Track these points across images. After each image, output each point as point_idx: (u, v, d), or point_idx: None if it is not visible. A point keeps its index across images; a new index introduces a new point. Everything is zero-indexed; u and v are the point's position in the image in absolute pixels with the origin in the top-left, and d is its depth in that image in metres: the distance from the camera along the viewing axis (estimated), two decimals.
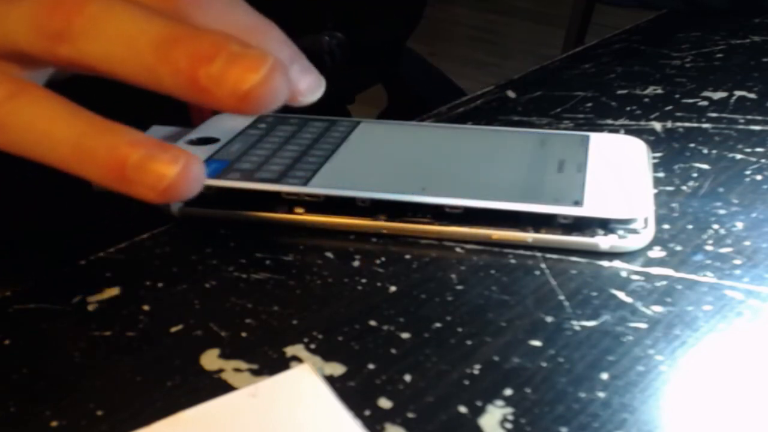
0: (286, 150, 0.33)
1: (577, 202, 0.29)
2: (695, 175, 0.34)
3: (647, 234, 0.29)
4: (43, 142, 0.22)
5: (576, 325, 0.26)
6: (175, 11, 0.23)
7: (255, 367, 0.24)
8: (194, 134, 0.35)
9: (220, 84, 0.21)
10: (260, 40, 0.24)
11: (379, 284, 0.28)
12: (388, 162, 0.33)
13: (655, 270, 0.28)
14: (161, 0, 0.23)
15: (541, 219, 0.29)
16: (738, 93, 0.42)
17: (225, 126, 0.35)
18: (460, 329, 0.26)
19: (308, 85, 0.25)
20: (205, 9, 0.24)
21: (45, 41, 0.22)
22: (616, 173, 0.31)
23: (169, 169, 0.21)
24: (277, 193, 0.31)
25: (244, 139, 0.34)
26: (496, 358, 0.24)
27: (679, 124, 0.39)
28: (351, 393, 0.23)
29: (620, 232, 0.29)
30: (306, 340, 0.25)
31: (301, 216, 0.31)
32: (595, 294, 0.27)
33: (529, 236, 0.29)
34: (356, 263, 0.29)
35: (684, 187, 0.33)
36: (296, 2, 0.46)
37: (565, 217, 0.29)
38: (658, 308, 0.26)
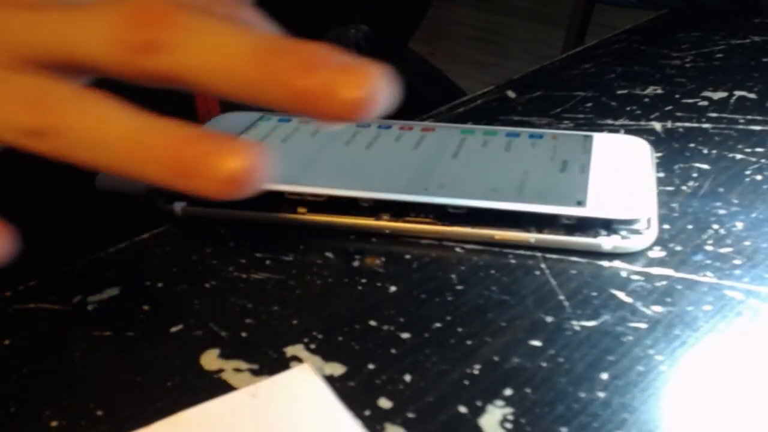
0: (289, 149, 0.33)
1: (580, 203, 0.29)
2: (695, 175, 0.34)
3: (650, 234, 0.29)
4: (99, 143, 0.21)
5: (576, 325, 0.26)
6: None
7: (255, 367, 0.24)
8: None
9: (329, 95, 0.20)
10: None
11: (379, 284, 0.28)
12: (390, 162, 0.33)
13: (655, 270, 0.28)
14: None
15: (543, 219, 0.29)
16: (738, 93, 0.42)
17: (227, 126, 0.35)
18: (460, 329, 0.26)
19: None
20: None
21: (129, 54, 0.21)
22: (620, 174, 0.31)
23: (235, 161, 0.20)
24: (280, 193, 0.31)
25: (246, 138, 0.34)
26: (496, 358, 0.24)
27: (679, 124, 0.39)
28: (351, 393, 0.23)
29: (623, 233, 0.29)
30: (306, 340, 0.25)
31: (303, 216, 0.31)
32: (595, 294, 0.27)
33: (532, 236, 0.29)
34: (356, 263, 0.29)
35: (684, 187, 0.33)
36: None
37: (568, 217, 0.29)
38: (658, 308, 0.26)
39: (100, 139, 0.21)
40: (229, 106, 0.39)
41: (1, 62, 0.22)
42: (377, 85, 0.20)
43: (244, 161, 0.20)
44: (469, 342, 0.25)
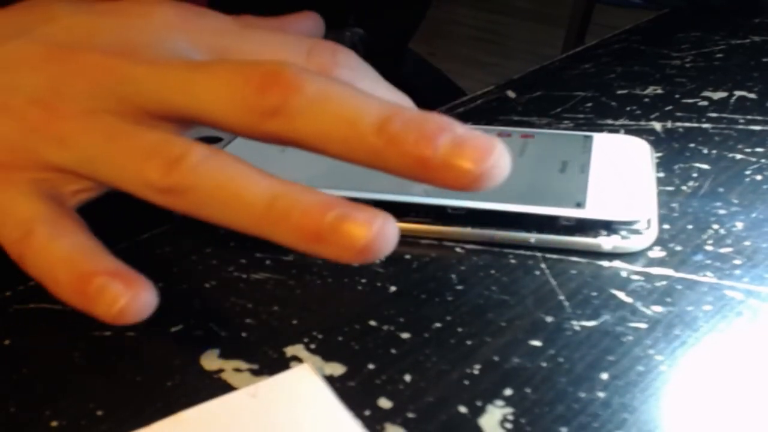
0: (289, 151, 0.33)
1: (580, 204, 0.29)
2: (695, 175, 0.34)
3: (650, 235, 0.29)
4: (233, 204, 0.21)
5: (576, 325, 0.26)
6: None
7: (255, 367, 0.24)
8: (197, 133, 0.35)
9: (451, 166, 0.20)
10: None
11: (379, 284, 0.28)
12: None
13: (655, 270, 0.28)
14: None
15: (543, 220, 0.29)
16: (738, 93, 0.42)
17: None
18: (460, 329, 0.26)
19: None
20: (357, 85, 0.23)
21: (253, 117, 0.22)
22: (620, 174, 0.31)
23: (365, 230, 0.20)
24: None
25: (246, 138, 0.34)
26: (496, 358, 0.24)
27: (679, 124, 0.39)
28: (351, 393, 0.23)
29: (623, 233, 0.29)
30: (306, 340, 0.25)
31: None
32: (595, 294, 0.27)
33: (532, 236, 0.29)
34: (356, 263, 0.29)
35: (684, 187, 0.33)
36: None
37: (568, 219, 0.29)
38: (658, 308, 0.26)
39: (234, 202, 0.21)
40: None
41: (122, 112, 0.23)
42: (497, 158, 0.20)
43: (375, 231, 0.20)
44: (469, 342, 0.25)
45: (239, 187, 0.21)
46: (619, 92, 0.43)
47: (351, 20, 0.50)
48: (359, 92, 0.22)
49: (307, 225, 0.21)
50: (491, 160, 0.20)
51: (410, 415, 0.22)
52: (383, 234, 0.20)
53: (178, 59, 0.24)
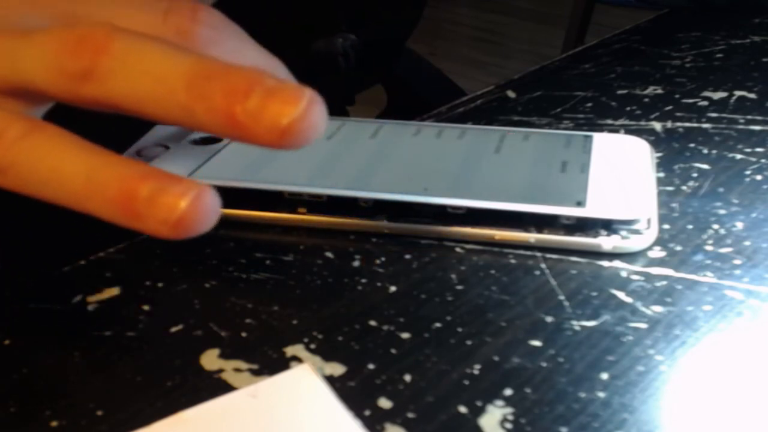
0: (289, 150, 0.33)
1: (580, 203, 0.29)
2: (695, 175, 0.34)
3: (650, 234, 0.29)
4: (52, 178, 0.21)
5: (576, 325, 0.26)
6: (191, 49, 0.22)
7: (255, 367, 0.24)
8: (197, 133, 0.35)
9: (257, 119, 0.20)
10: None
11: (379, 284, 0.28)
12: (390, 162, 0.33)
13: (655, 270, 0.28)
14: (177, 38, 0.23)
15: (543, 219, 0.29)
16: (738, 93, 0.42)
17: None
18: (460, 329, 0.26)
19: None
20: (218, 47, 0.23)
21: (68, 81, 0.21)
22: (620, 174, 0.31)
23: (180, 202, 0.20)
24: (280, 193, 0.31)
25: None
26: (496, 358, 0.24)
27: (679, 124, 0.39)
28: (351, 393, 0.23)
29: (623, 233, 0.29)
30: (306, 340, 0.25)
31: (303, 216, 0.31)
32: (595, 294, 0.27)
33: (532, 236, 0.29)
34: (356, 263, 0.29)
35: (684, 187, 0.33)
36: (311, 5, 0.46)
37: (568, 217, 0.29)
38: (658, 308, 0.26)
39: (53, 176, 0.21)
40: None
41: None
42: (305, 111, 0.20)
43: (192, 204, 0.20)
44: (469, 342, 0.25)
45: (57, 161, 0.21)
46: (619, 92, 0.43)
47: (344, 26, 0.51)
48: (171, 48, 0.21)
49: (122, 197, 0.20)
50: (297, 114, 0.20)
51: (410, 415, 0.22)
52: (199, 204, 0.20)
53: (12, 30, 0.23)
